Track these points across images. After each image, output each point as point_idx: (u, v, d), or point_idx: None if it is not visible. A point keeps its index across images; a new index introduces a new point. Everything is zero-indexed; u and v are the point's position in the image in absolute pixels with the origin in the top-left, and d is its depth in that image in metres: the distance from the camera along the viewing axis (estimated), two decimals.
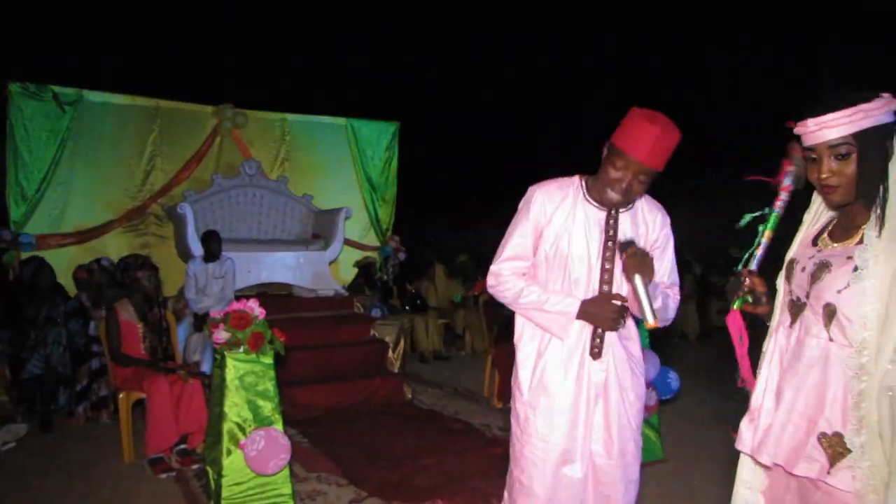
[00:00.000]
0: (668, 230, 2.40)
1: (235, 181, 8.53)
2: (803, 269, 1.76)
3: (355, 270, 9.52)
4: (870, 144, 1.62)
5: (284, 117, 9.50)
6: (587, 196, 2.33)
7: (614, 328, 2.24)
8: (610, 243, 2.28)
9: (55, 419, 5.61)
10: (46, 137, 7.50)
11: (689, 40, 14.32)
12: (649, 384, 4.55)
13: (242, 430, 3.39)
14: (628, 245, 2.16)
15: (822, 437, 1.64)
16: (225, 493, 3.36)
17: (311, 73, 14.35)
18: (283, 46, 14.49)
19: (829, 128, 1.64)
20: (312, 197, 9.09)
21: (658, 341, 9.95)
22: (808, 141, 1.70)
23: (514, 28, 15.70)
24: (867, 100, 1.62)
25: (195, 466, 4.52)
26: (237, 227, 8.44)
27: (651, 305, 2.07)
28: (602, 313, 2.21)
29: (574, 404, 2.25)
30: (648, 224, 2.36)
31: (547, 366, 2.30)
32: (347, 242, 9.02)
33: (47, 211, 7.66)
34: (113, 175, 8.19)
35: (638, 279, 2.08)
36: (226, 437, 3.37)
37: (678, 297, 2.37)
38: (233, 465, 3.37)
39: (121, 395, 4.84)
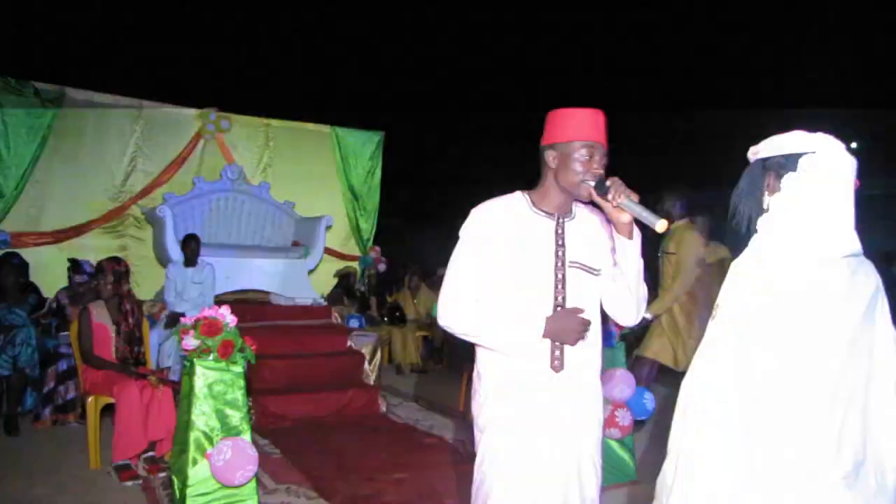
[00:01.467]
0: (610, 227, 2.39)
1: (217, 185, 8.46)
2: None
3: (334, 280, 9.47)
4: (750, 170, 1.84)
5: (269, 123, 9.48)
6: (534, 207, 2.30)
7: (576, 342, 2.21)
8: (560, 252, 2.26)
9: (21, 422, 5.51)
10: (26, 134, 7.42)
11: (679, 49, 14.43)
12: (624, 405, 4.54)
13: (210, 439, 3.33)
14: (603, 180, 2.14)
15: None
16: (189, 503, 3.29)
17: (297, 80, 14.32)
18: (270, 52, 14.46)
19: (751, 156, 1.87)
20: (294, 204, 9.03)
21: (634, 361, 9.97)
22: None
23: (502, 37, 15.75)
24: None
25: (162, 474, 4.44)
26: (217, 232, 8.37)
27: (650, 213, 2.07)
28: (566, 328, 2.18)
29: (542, 420, 2.22)
30: (605, 229, 2.35)
31: (510, 387, 2.24)
32: (328, 251, 8.98)
33: (24, 209, 7.58)
34: (93, 175, 8.12)
35: (627, 200, 2.08)
36: (192, 446, 3.30)
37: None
38: (198, 474, 3.31)
39: (89, 400, 4.75)
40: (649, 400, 4.69)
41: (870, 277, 1.69)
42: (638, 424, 4.79)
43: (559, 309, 2.23)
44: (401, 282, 10.28)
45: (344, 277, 9.39)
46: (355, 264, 9.81)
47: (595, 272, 2.30)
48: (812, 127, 1.77)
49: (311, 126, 9.80)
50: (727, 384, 1.66)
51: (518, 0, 14.68)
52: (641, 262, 2.27)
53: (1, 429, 5.40)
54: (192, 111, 8.74)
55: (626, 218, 2.12)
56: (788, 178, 1.70)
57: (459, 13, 14.92)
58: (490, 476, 2.22)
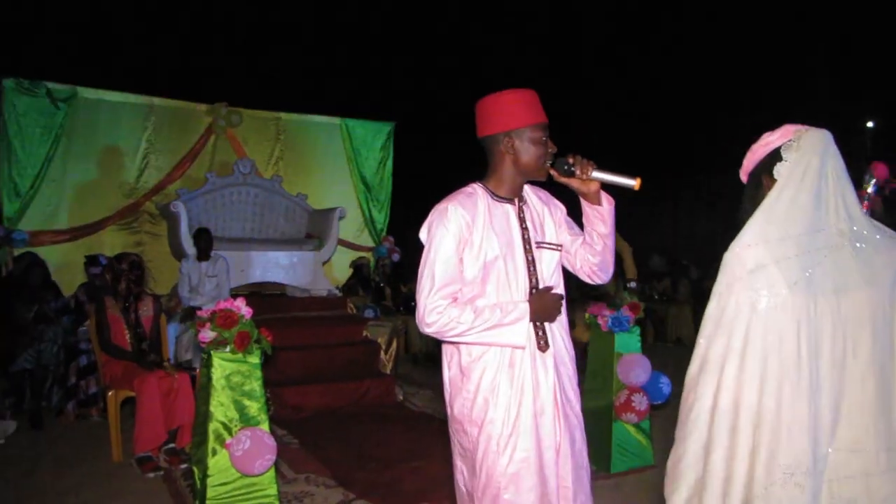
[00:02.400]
0: (560, 205, 2.49)
1: (229, 180, 8.51)
2: None
3: (349, 271, 9.51)
4: (747, 187, 1.89)
5: (279, 116, 9.51)
6: (494, 195, 2.32)
7: (555, 319, 2.28)
8: (526, 235, 2.30)
9: (46, 416, 5.59)
10: (40, 134, 7.49)
11: (689, 46, 14.33)
12: (641, 389, 4.54)
13: (228, 429, 3.37)
14: (562, 162, 2.22)
15: None
16: (210, 493, 3.34)
17: (306, 73, 14.33)
18: (279, 45, 14.46)
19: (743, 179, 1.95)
20: (307, 196, 9.07)
21: (652, 346, 9.98)
22: None
23: (513, 27, 15.70)
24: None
25: (183, 466, 4.50)
26: (231, 226, 8.42)
27: (622, 175, 2.15)
28: (547, 308, 2.23)
29: (535, 403, 2.23)
30: (548, 205, 2.44)
31: (502, 376, 2.23)
32: (341, 243, 9.01)
33: (41, 207, 7.66)
34: (107, 172, 8.19)
35: (595, 171, 2.18)
36: (211, 437, 3.34)
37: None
38: (218, 464, 3.35)
39: (110, 394, 4.81)
40: (665, 384, 4.69)
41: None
42: (655, 409, 4.80)
43: (535, 291, 2.27)
44: (415, 271, 10.30)
45: (358, 268, 9.43)
46: (369, 255, 9.84)
47: (557, 248, 2.37)
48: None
49: (321, 118, 9.83)
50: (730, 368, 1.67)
51: None
52: (609, 220, 2.33)
53: (26, 423, 5.47)
54: (203, 107, 8.79)
55: (594, 187, 2.22)
56: (778, 168, 1.74)
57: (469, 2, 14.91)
58: (497, 468, 2.22)
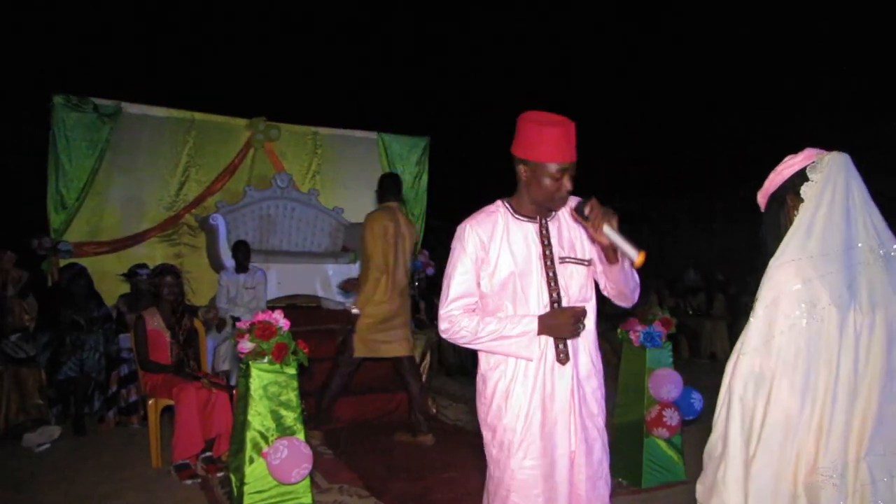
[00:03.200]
0: None
1: (267, 193, 8.65)
2: None
3: None
4: (768, 208, 1.99)
5: (316, 131, 9.63)
6: (515, 214, 2.39)
7: (576, 334, 2.28)
8: (548, 251, 2.34)
9: (88, 424, 5.75)
10: (86, 148, 7.69)
11: (723, 59, 14.25)
12: (672, 404, 4.54)
13: (265, 438, 3.45)
14: (582, 205, 2.19)
15: None
16: (247, 500, 3.42)
17: (343, 88, 14.53)
18: (317, 60, 14.68)
19: (761, 202, 2.04)
20: (343, 210, 9.18)
21: (686, 362, 9.91)
22: None
23: (547, 40, 15.75)
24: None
25: (220, 474, 4.60)
26: (268, 239, 8.56)
27: (630, 244, 2.10)
28: (560, 324, 2.25)
29: (548, 413, 2.29)
30: (577, 226, 2.42)
31: (516, 385, 2.32)
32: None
33: (85, 219, 7.85)
34: (148, 185, 8.38)
35: (607, 228, 2.12)
36: (249, 446, 3.43)
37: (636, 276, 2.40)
38: (255, 472, 3.43)
39: (150, 402, 4.94)
40: (697, 400, 4.68)
41: None
42: (686, 424, 4.78)
43: (556, 305, 2.32)
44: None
45: None
46: None
47: (584, 263, 2.39)
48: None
49: (357, 133, 9.93)
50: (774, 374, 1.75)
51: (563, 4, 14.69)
52: (627, 269, 2.29)
53: (69, 429, 5.63)
54: (242, 121, 8.94)
55: (606, 241, 2.16)
56: (805, 189, 1.84)
57: (504, 18, 14.98)
58: (507, 472, 2.31)
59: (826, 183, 1.79)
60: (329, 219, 9.07)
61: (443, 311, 2.37)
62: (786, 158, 1.93)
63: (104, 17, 12.43)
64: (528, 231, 2.37)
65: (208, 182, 8.62)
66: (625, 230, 2.11)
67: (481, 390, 2.43)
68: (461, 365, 9.07)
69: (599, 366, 2.44)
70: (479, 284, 2.37)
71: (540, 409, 2.29)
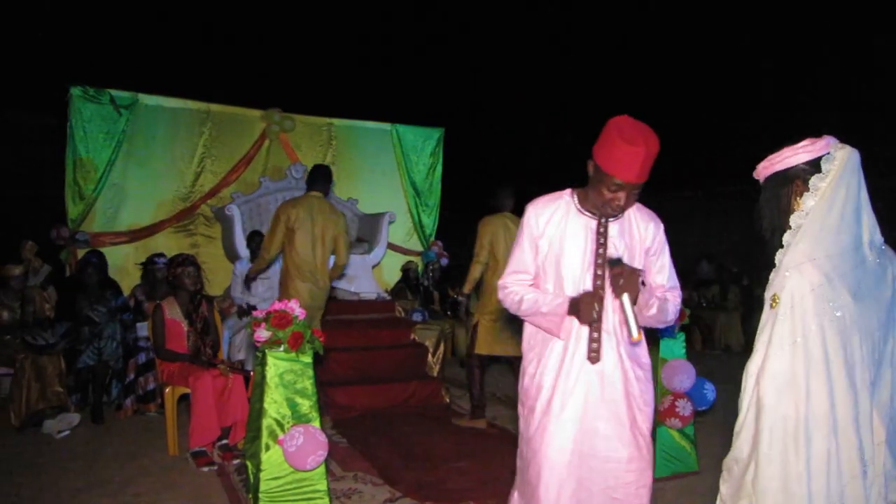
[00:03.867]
0: (661, 237, 2.51)
1: (282, 184, 8.70)
2: None
3: (398, 274, 9.63)
4: (767, 187, 2.01)
5: (331, 122, 9.67)
6: (579, 207, 2.44)
7: (587, 321, 2.31)
8: (601, 251, 2.37)
9: (106, 411, 5.83)
10: (103, 139, 7.77)
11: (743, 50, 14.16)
12: (685, 395, 4.55)
13: (281, 426, 3.49)
14: (616, 263, 2.27)
15: None
16: (263, 486, 3.46)
17: (357, 79, 14.54)
18: (332, 52, 14.70)
19: (758, 174, 2.07)
20: (357, 201, 9.22)
21: (700, 353, 9.89)
22: None
23: (563, 32, 15.69)
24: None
25: (236, 461, 4.65)
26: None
27: (636, 321, 2.19)
28: (582, 306, 2.29)
29: (573, 407, 2.33)
30: (641, 232, 2.46)
31: (546, 371, 2.39)
32: (391, 247, 9.13)
33: (102, 210, 7.94)
34: (165, 176, 8.45)
35: (625, 297, 2.21)
36: (265, 433, 3.47)
37: (678, 300, 2.48)
38: (271, 459, 3.48)
39: (167, 390, 5.00)
40: (710, 390, 4.69)
41: (893, 262, 1.89)
42: (699, 415, 4.80)
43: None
44: (463, 276, 10.38)
45: (406, 272, 9.55)
46: (418, 259, 9.94)
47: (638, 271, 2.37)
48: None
49: (372, 124, 9.96)
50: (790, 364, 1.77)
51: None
52: (653, 308, 2.39)
53: (87, 417, 5.71)
54: (257, 112, 8.99)
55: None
56: (816, 179, 1.84)
57: (518, 12, 14.94)
58: (535, 453, 2.37)
59: (840, 180, 1.81)
60: (344, 210, 9.10)
61: (500, 282, 2.56)
62: (804, 141, 1.92)
63: (120, 8, 12.50)
64: (585, 223, 2.42)
65: (224, 173, 8.68)
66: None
67: (524, 368, 2.53)
68: None
69: (639, 372, 2.43)
70: (535, 264, 2.50)
71: (569, 398, 2.33)
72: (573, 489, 2.32)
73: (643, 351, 2.47)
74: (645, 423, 2.40)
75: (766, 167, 1.99)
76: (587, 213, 2.42)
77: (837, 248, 1.78)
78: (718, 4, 13.95)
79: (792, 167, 1.92)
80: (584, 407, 2.33)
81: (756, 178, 2.05)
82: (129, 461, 4.73)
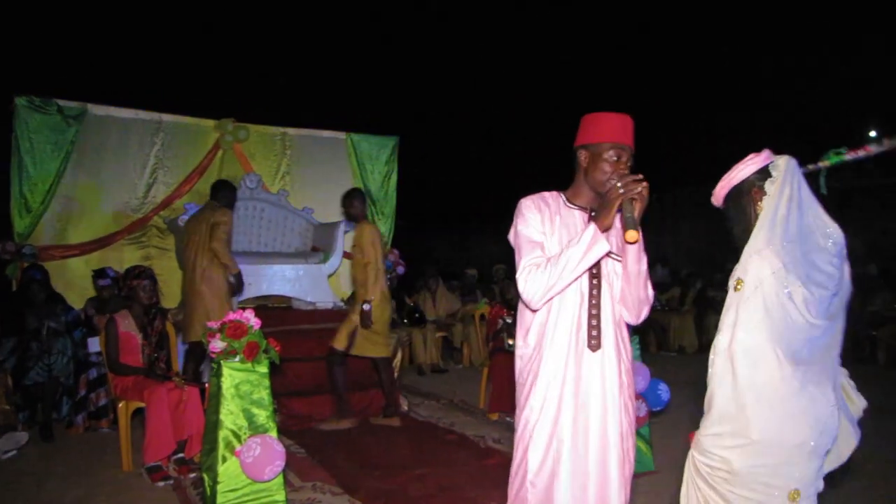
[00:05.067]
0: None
1: (236, 194, 8.59)
2: None
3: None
4: (729, 202, 2.19)
5: (285, 132, 9.59)
6: (568, 203, 2.47)
7: (621, 196, 2.21)
8: None
9: (56, 429, 5.69)
10: (51, 150, 7.59)
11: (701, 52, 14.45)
12: (640, 396, 4.62)
13: (238, 437, 3.46)
14: (632, 217, 2.20)
15: None
16: (220, 499, 3.43)
17: (311, 88, 14.49)
18: (285, 61, 14.63)
19: (715, 201, 2.27)
20: (312, 210, 9.17)
21: (655, 355, 10.04)
22: None
23: (518, 43, 15.84)
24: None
25: (192, 475, 4.59)
26: (238, 240, 8.50)
27: (633, 222, 2.17)
28: (607, 196, 2.24)
29: (574, 399, 2.33)
30: (619, 224, 2.45)
31: (547, 362, 2.36)
32: (347, 256, 9.09)
33: (51, 223, 7.75)
34: (116, 188, 8.27)
35: (626, 203, 2.20)
36: (221, 445, 3.44)
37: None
38: (228, 471, 3.44)
39: (120, 405, 4.91)
40: (664, 391, 4.77)
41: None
42: (654, 416, 4.87)
43: (595, 291, 2.40)
44: (420, 284, 10.42)
45: None
46: None
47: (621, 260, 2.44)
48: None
49: (326, 133, 9.91)
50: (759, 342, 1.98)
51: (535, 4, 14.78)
52: (641, 265, 2.37)
53: (36, 435, 5.57)
54: (210, 122, 8.88)
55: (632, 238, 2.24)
56: (768, 184, 2.09)
57: (475, 19, 15.03)
58: (527, 453, 2.35)
59: (785, 180, 2.04)
60: (299, 219, 9.06)
61: (521, 273, 2.34)
62: (749, 156, 2.15)
63: (68, 17, 12.28)
64: (578, 219, 2.44)
65: (177, 184, 8.55)
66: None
67: (519, 367, 2.48)
68: (433, 364, 9.13)
69: (629, 358, 2.48)
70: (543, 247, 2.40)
71: (570, 395, 2.33)
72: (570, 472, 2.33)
73: (626, 335, 2.49)
74: (633, 412, 2.45)
75: (723, 187, 2.20)
76: (576, 206, 2.45)
77: (786, 237, 1.99)
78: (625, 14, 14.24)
79: (745, 179, 2.14)
80: (584, 395, 2.34)
81: (715, 202, 2.26)
82: (81, 479, 4.63)
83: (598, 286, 2.40)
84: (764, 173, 2.10)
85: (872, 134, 14.26)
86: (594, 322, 2.38)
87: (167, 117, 8.60)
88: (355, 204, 6.12)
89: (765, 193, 2.08)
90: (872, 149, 2.19)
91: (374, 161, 10.01)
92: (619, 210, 2.23)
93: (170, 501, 4.28)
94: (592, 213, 2.43)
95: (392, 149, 10.16)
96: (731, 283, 2.05)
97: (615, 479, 2.35)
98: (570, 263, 2.24)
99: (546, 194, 2.50)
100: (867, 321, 9.65)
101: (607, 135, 2.35)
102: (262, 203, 8.76)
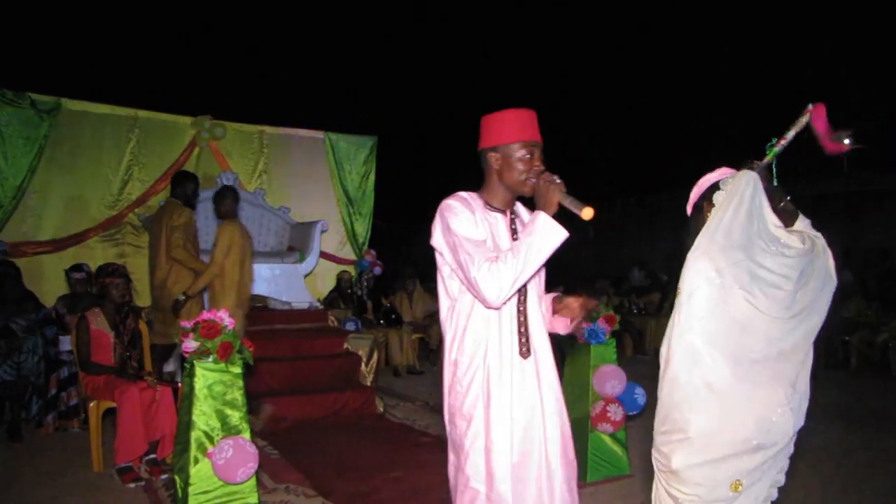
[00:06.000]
0: None
1: (212, 192, 8.49)
2: None
3: (332, 283, 9.56)
4: (691, 215, 2.30)
5: (263, 130, 9.55)
6: (487, 206, 2.43)
7: (555, 187, 2.22)
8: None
9: (25, 429, 5.59)
10: (23, 144, 7.49)
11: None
12: (616, 400, 4.63)
13: (210, 438, 3.41)
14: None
15: None
16: (192, 501, 3.37)
17: (290, 87, 14.42)
18: (264, 59, 14.54)
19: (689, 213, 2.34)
20: (289, 209, 9.12)
21: (631, 359, 10.09)
22: None
23: (495, 40, 15.87)
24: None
25: (164, 476, 4.53)
26: (213, 239, 8.42)
27: (577, 203, 2.18)
28: (546, 188, 2.24)
29: (516, 409, 2.32)
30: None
31: (485, 370, 2.33)
32: (324, 256, 9.06)
33: (23, 218, 7.64)
34: (90, 184, 8.20)
35: (561, 195, 2.21)
36: (193, 446, 3.39)
37: None
38: (200, 473, 3.39)
39: (91, 404, 4.84)
40: (640, 395, 4.79)
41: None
42: (630, 419, 4.88)
43: (522, 297, 2.38)
44: (397, 285, 10.40)
45: (339, 281, 9.49)
46: (351, 268, 9.89)
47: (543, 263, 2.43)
48: None
49: (304, 132, 9.88)
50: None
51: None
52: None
53: (5, 435, 5.47)
54: (187, 119, 8.82)
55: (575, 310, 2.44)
56: (717, 196, 2.20)
57: (455, 19, 15.03)
58: (480, 464, 2.31)
59: (734, 190, 2.13)
60: (276, 218, 9.01)
61: (476, 273, 2.18)
62: (706, 175, 2.29)
63: (44, 10, 12.11)
64: (498, 221, 2.42)
65: (152, 181, 8.48)
66: (571, 231, 2.21)
67: (456, 379, 2.36)
68: (409, 365, 9.11)
69: (555, 371, 2.47)
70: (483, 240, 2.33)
71: (513, 401, 2.31)
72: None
73: (549, 342, 2.48)
74: (562, 413, 2.44)
75: (690, 200, 2.32)
76: (496, 209, 2.43)
77: (727, 242, 2.07)
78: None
79: (705, 191, 2.27)
80: (519, 402, 2.33)
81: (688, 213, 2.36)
82: (51, 480, 4.55)
83: (525, 293, 2.39)
84: (715, 187, 2.22)
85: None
86: (522, 329, 2.37)
87: (143, 113, 8.54)
88: (226, 203, 5.94)
89: (713, 205, 2.19)
90: (788, 136, 2.24)
91: (352, 161, 9.99)
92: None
93: (141, 503, 4.22)
94: (513, 217, 2.46)
95: (370, 149, 10.15)
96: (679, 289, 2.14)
97: (560, 481, 2.36)
98: (531, 252, 2.16)
99: (464, 195, 2.42)
100: (841, 327, 9.78)
101: (516, 134, 2.33)
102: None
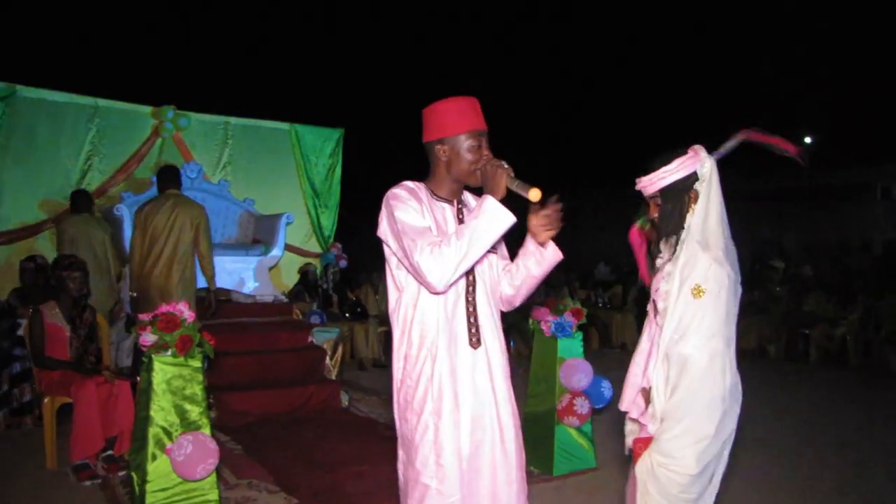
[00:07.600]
0: None
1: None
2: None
3: (296, 276, 9.46)
4: (667, 197, 2.22)
5: (228, 120, 9.39)
6: (434, 196, 2.38)
7: (503, 174, 2.20)
8: None
9: None
10: None
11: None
12: (583, 393, 4.63)
13: (169, 434, 3.33)
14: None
15: (643, 390, 2.30)
16: (149, 499, 3.29)
17: (255, 77, 14.25)
18: (229, 49, 14.34)
19: (644, 187, 2.27)
20: (254, 201, 8.98)
21: (597, 352, 10.13)
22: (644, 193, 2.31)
23: (462, 33, 15.84)
24: (668, 161, 2.19)
25: (121, 473, 4.41)
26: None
27: (525, 186, 2.15)
28: (493, 174, 2.21)
29: (468, 400, 2.29)
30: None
31: (436, 361, 2.27)
32: (289, 248, 8.94)
33: None
34: (47, 174, 7.98)
35: (508, 179, 2.18)
36: (151, 442, 3.30)
37: None
38: (158, 470, 3.31)
39: (46, 400, 4.70)
40: (607, 388, 4.79)
41: None
42: (596, 413, 4.89)
43: (471, 288, 2.35)
44: (363, 278, 10.33)
45: (304, 274, 9.39)
46: (317, 261, 9.79)
47: (495, 250, 2.44)
48: None
49: (270, 123, 9.75)
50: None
51: None
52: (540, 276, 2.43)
53: None
54: (149, 109, 8.63)
55: (546, 227, 2.28)
56: (699, 186, 2.17)
57: (416, 14, 14.97)
58: (430, 458, 2.25)
59: (712, 181, 2.15)
60: (240, 210, 8.87)
61: (418, 256, 2.13)
62: (689, 152, 2.20)
63: None
64: (445, 211, 2.37)
65: (112, 171, 8.29)
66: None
67: (406, 373, 2.32)
68: (374, 358, 9.05)
69: (506, 358, 2.44)
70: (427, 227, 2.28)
71: (457, 393, 2.27)
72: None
73: (498, 325, 2.44)
74: (512, 401, 2.41)
75: (660, 178, 2.21)
76: (443, 199, 2.38)
77: (727, 242, 2.12)
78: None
79: (684, 178, 2.18)
80: (472, 392, 2.29)
81: (644, 190, 2.28)
82: (3, 479, 4.42)
83: (473, 282, 2.36)
84: (695, 176, 2.18)
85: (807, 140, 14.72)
86: (472, 319, 2.34)
87: (103, 102, 8.33)
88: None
89: (698, 195, 2.16)
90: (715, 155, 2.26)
91: (318, 153, 9.90)
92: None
93: (97, 501, 4.12)
94: (460, 206, 2.42)
95: (337, 141, 10.07)
96: (684, 286, 2.09)
97: (515, 468, 2.34)
98: (476, 235, 2.11)
99: (410, 185, 2.37)
100: (801, 320, 9.95)
101: (462, 124, 2.29)
102: (202, 193, 8.50)
